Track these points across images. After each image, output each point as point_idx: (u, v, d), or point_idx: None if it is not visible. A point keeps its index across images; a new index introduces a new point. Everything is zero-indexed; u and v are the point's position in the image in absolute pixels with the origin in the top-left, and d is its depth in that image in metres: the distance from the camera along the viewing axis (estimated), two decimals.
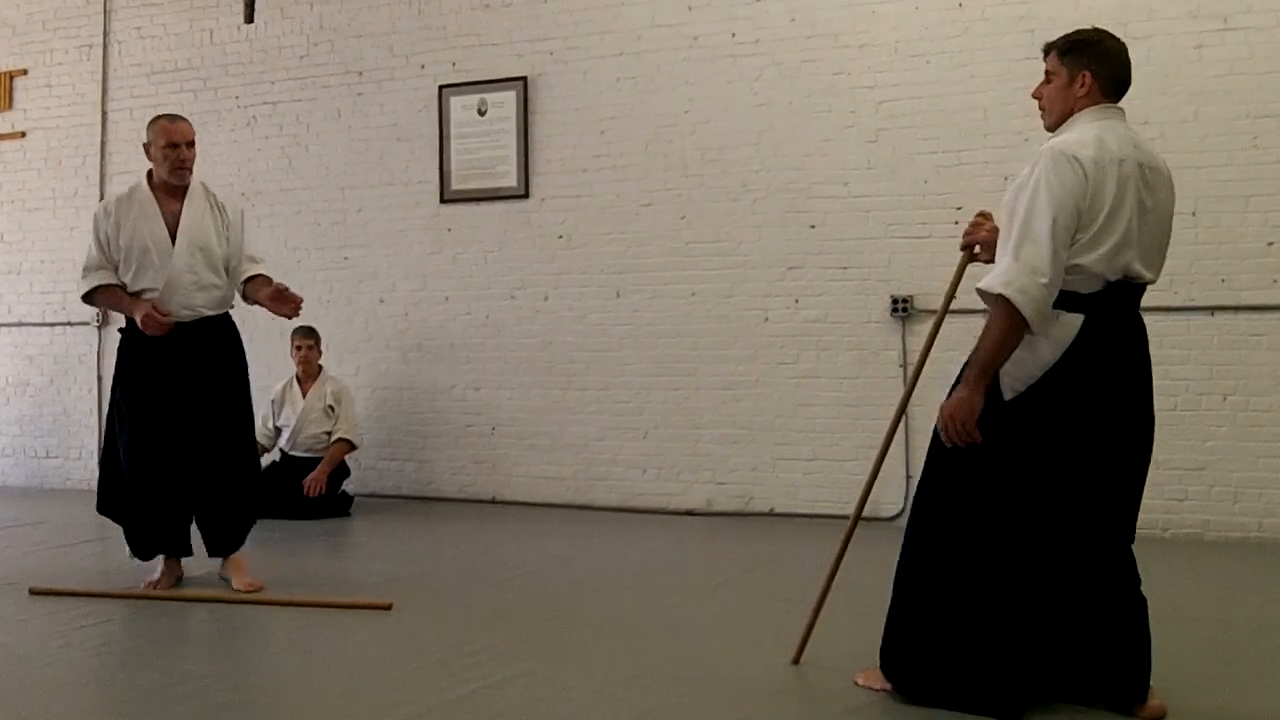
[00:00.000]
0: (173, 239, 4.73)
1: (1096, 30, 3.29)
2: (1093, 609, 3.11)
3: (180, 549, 4.87)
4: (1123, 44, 3.26)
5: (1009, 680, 3.07)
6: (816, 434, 6.53)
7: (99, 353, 8.40)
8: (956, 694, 3.13)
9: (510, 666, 3.62)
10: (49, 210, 8.64)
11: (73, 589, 4.74)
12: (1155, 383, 5.95)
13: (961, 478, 3.16)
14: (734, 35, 6.84)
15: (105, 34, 8.55)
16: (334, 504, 6.88)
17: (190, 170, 4.79)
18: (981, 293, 3.03)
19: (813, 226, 6.64)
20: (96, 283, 4.83)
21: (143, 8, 8.42)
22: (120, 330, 4.95)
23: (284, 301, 4.77)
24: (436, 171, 7.54)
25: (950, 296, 3.55)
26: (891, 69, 6.49)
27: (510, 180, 7.34)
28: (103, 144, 8.50)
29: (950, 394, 3.15)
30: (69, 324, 8.54)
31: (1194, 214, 5.90)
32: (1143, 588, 3.19)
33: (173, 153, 4.72)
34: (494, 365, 7.42)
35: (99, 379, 8.39)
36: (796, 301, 6.67)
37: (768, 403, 6.72)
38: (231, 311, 5.00)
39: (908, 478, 6.31)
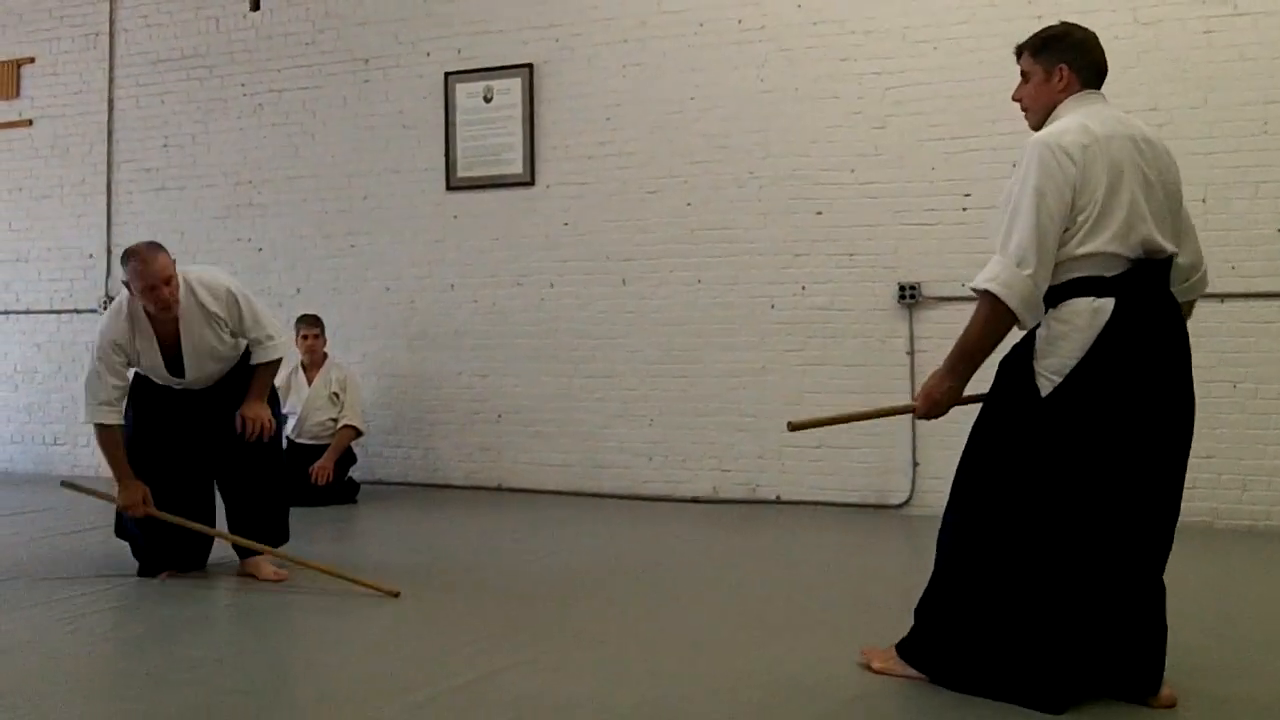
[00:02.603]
0: (175, 357, 4.60)
1: (1064, 24, 3.30)
2: (1120, 600, 3.07)
3: (192, 564, 4.86)
4: (1092, 33, 3.26)
5: (1053, 671, 3.03)
6: None
7: None
8: (997, 683, 3.10)
9: (515, 654, 3.61)
10: (56, 198, 8.64)
11: (101, 491, 4.84)
12: None
13: (1005, 473, 3.11)
14: (740, 21, 6.82)
15: (112, 22, 8.55)
16: (340, 491, 6.89)
17: (178, 302, 4.50)
18: (974, 289, 3.07)
19: (819, 213, 6.62)
20: (103, 420, 4.56)
21: None
22: None
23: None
24: (442, 159, 7.53)
25: None
26: (898, 55, 6.47)
27: (516, 167, 7.33)
28: (109, 132, 8.50)
29: (932, 374, 3.21)
30: (76, 311, 8.56)
31: (1204, 200, 5.87)
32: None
33: (152, 294, 4.43)
34: (500, 352, 7.41)
35: None
36: (803, 288, 6.65)
37: (774, 390, 6.71)
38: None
39: (914, 465, 6.31)
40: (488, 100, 7.39)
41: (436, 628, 3.97)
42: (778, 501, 6.66)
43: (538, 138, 7.29)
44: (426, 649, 3.71)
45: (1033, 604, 3.05)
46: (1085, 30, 3.25)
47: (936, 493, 5.62)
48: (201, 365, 4.65)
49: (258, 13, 8.08)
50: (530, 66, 7.29)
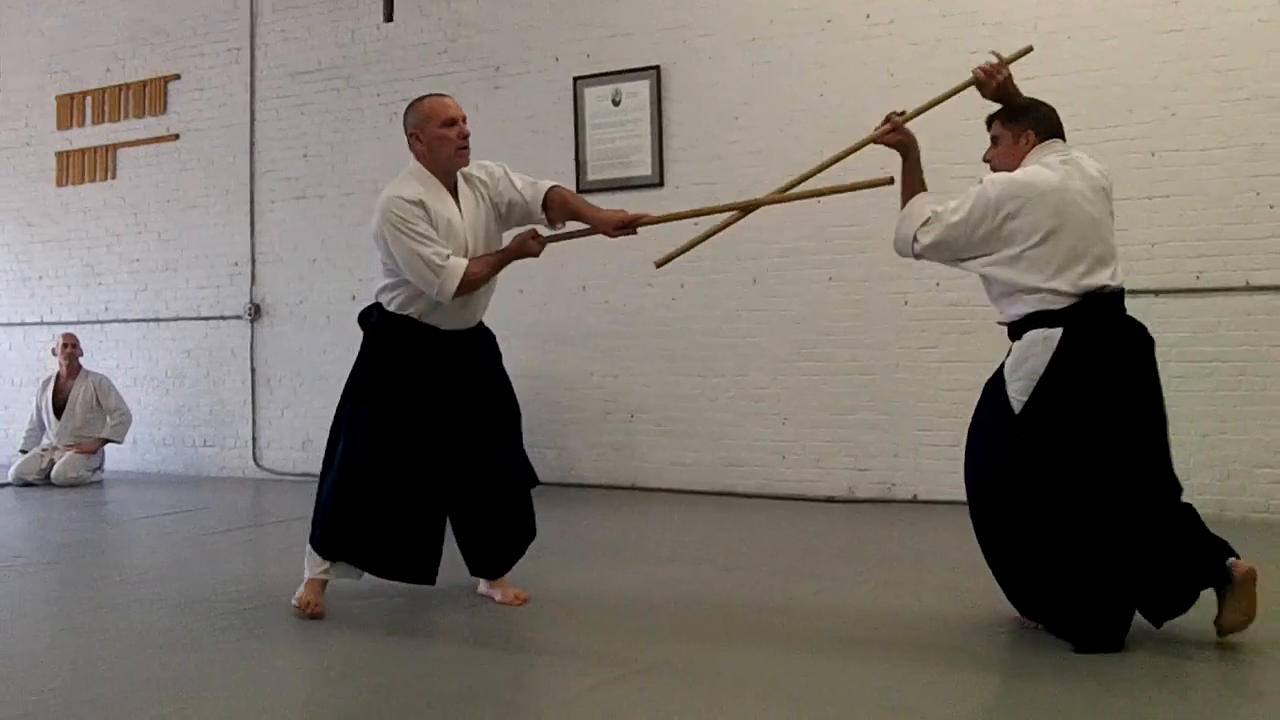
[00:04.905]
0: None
1: (1030, 99, 3.96)
2: (1152, 541, 3.52)
3: (424, 575, 4.28)
4: (1052, 107, 3.92)
5: (1106, 616, 3.52)
6: (960, 419, 6.30)
7: (251, 345, 8.72)
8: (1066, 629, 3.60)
9: (648, 656, 3.63)
10: (203, 208, 8.97)
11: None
12: (1251, 364, 5.79)
13: (1001, 472, 3.72)
14: (868, 16, 6.77)
15: (252, 37, 8.84)
16: None
17: (467, 148, 4.22)
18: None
19: None
20: (454, 268, 4.00)
21: (287, 11, 8.68)
22: (373, 324, 4.29)
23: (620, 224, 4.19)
24: (572, 162, 7.62)
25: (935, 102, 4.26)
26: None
27: (645, 169, 7.38)
28: (252, 143, 8.80)
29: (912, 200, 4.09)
30: (223, 318, 8.87)
31: None
32: (1247, 563, 3.55)
33: (452, 130, 4.16)
34: (631, 352, 7.47)
35: (252, 370, 8.70)
36: (937, 284, 6.57)
37: (908, 387, 6.64)
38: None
39: None
40: (616, 103, 7.46)
41: (574, 627, 4.03)
42: (914, 501, 6.60)
43: (666, 139, 7.34)
44: (565, 649, 3.77)
45: (1060, 571, 3.55)
46: (1047, 105, 3.92)
47: None
48: (477, 231, 4.22)
49: (391, 23, 8.28)
50: (658, 68, 7.34)
